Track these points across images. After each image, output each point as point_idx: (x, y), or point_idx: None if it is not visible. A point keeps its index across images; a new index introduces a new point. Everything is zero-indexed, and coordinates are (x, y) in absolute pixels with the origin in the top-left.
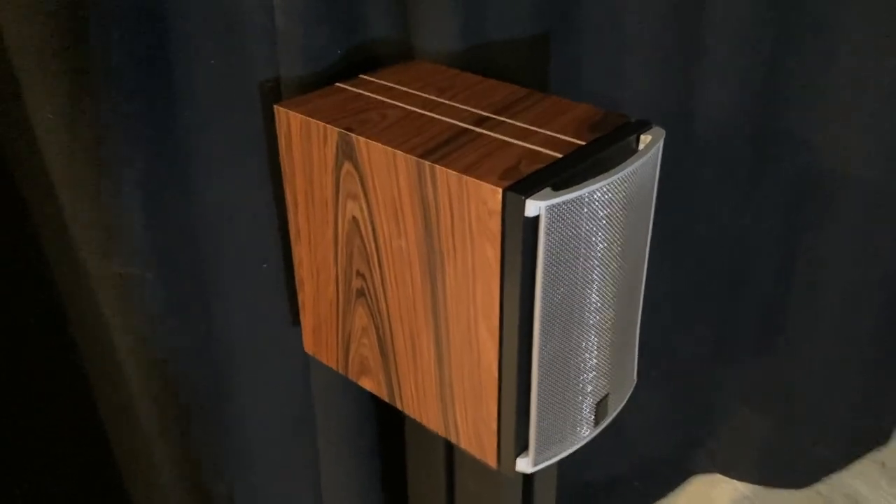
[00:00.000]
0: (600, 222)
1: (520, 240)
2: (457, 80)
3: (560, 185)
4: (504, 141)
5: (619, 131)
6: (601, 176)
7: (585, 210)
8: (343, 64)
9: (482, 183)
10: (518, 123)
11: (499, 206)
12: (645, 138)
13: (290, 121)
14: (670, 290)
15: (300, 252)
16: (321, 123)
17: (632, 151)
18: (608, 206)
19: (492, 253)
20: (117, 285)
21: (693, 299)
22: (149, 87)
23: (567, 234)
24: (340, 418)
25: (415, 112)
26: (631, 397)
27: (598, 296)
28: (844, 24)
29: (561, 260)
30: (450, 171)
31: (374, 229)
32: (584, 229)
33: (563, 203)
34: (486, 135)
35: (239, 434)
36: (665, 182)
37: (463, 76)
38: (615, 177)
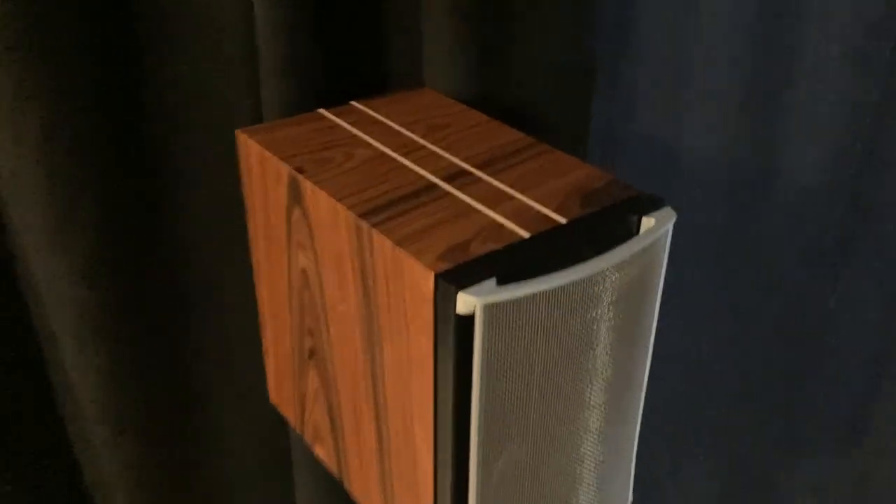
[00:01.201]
0: (569, 325)
1: (452, 339)
2: (457, 118)
3: (511, 277)
4: (469, 206)
5: (615, 209)
6: (570, 269)
7: (543, 310)
8: (334, 86)
9: (415, 261)
10: (497, 184)
11: (432, 293)
12: (647, 221)
13: (250, 150)
14: (735, 366)
15: (261, 291)
16: (275, 157)
17: (628, 236)
18: (582, 305)
19: (426, 346)
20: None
21: (763, 379)
22: (116, 95)
23: (517, 336)
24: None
25: (386, 155)
26: (682, 484)
27: (566, 408)
28: None
29: (509, 367)
30: (385, 238)
31: (321, 287)
32: (542, 333)
33: (509, 302)
34: (452, 194)
35: (209, 461)
36: (735, 249)
37: (466, 114)
38: (589, 272)
